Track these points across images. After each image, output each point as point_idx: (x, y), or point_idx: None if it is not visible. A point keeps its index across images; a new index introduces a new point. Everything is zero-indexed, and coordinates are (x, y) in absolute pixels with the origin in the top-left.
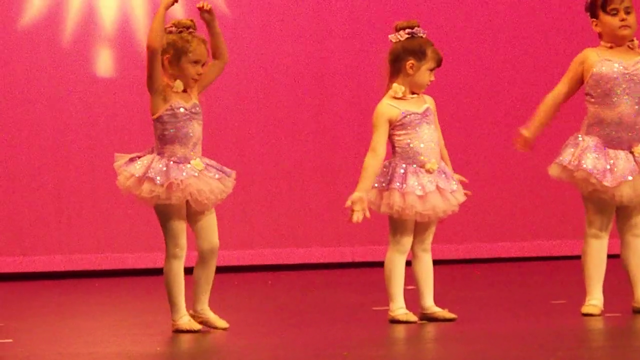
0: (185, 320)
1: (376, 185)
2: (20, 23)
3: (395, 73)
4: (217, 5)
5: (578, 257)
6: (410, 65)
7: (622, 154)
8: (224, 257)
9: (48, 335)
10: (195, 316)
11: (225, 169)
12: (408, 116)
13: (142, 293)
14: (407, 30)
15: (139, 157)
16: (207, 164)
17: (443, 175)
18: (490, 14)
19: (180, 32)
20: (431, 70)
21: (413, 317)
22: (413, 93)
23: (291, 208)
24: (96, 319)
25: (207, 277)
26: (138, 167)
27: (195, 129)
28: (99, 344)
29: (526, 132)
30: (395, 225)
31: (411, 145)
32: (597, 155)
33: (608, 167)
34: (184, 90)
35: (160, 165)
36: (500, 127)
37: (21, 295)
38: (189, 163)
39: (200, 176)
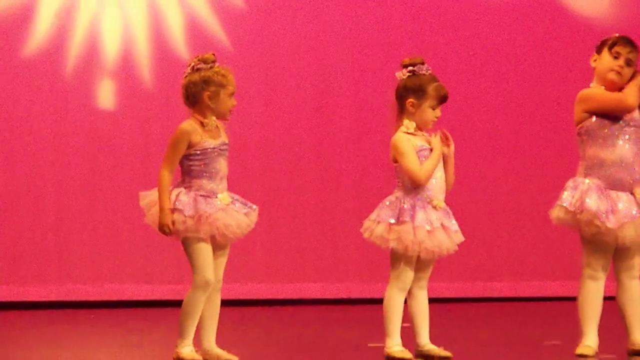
0: (188, 350)
1: (383, 220)
2: (22, 53)
3: (401, 111)
4: (220, 41)
5: (573, 298)
6: (411, 103)
7: (623, 195)
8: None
9: None
10: (204, 356)
11: (249, 203)
12: (422, 151)
13: (140, 325)
14: (409, 68)
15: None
16: (233, 199)
17: (447, 214)
18: (493, 45)
19: (211, 67)
20: (433, 107)
21: (408, 354)
22: (420, 129)
23: (288, 243)
24: (93, 349)
25: (212, 312)
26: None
27: (222, 164)
28: None
29: None
30: (398, 261)
31: None
32: (599, 196)
33: (610, 208)
34: (216, 126)
35: (188, 198)
36: (496, 166)
37: (17, 324)
38: (216, 197)
39: (228, 210)
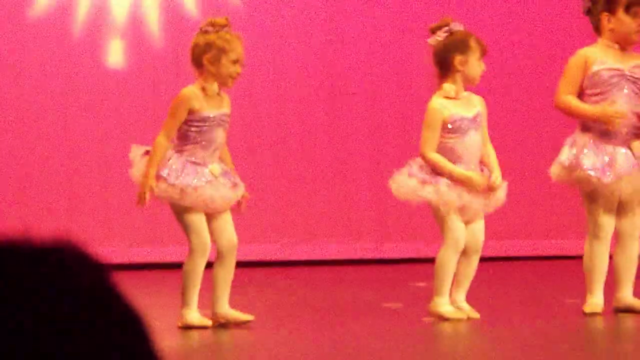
0: (195, 316)
1: (418, 176)
2: (30, 13)
3: (445, 73)
4: (231, 3)
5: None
6: (459, 61)
7: (620, 149)
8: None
9: None
10: (215, 318)
11: (237, 178)
12: (459, 120)
13: (147, 288)
14: (444, 29)
15: None
16: (224, 170)
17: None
18: (493, 13)
19: (217, 31)
20: (479, 60)
21: (463, 314)
22: (465, 89)
23: (300, 203)
24: None
25: (226, 275)
26: None
27: (220, 135)
28: None
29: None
30: (444, 219)
31: (455, 149)
32: (595, 152)
33: (607, 160)
34: (218, 93)
35: (177, 165)
36: (514, 124)
37: None
38: (207, 167)
39: (215, 183)
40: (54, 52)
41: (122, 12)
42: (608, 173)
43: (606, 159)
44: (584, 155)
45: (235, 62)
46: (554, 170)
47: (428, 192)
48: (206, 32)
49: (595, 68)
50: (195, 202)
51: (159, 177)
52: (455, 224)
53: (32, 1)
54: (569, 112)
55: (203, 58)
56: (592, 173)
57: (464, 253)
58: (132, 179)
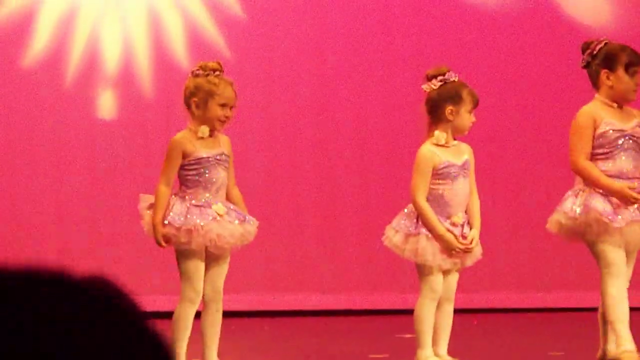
0: None
1: (402, 229)
2: (22, 64)
3: (435, 121)
4: (220, 51)
5: (569, 309)
6: (450, 111)
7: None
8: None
9: None
10: None
11: (248, 216)
12: (449, 167)
13: None
14: (440, 78)
15: None
16: (229, 209)
17: (467, 227)
18: (493, 57)
19: (207, 75)
20: (470, 112)
21: None
22: (454, 139)
23: (288, 254)
24: None
25: (212, 324)
26: None
27: (220, 174)
28: None
29: (628, 191)
30: (425, 270)
31: (444, 196)
32: (603, 200)
33: (615, 208)
34: (211, 135)
35: (181, 209)
36: (495, 176)
37: None
38: (210, 207)
39: (221, 221)
40: (46, 103)
41: (113, 63)
42: (619, 217)
43: (612, 207)
44: (594, 201)
45: (223, 105)
46: (558, 219)
47: (409, 252)
48: (197, 75)
49: (602, 129)
50: (202, 242)
51: (165, 225)
52: (434, 274)
53: (25, 52)
54: (587, 179)
55: (191, 101)
56: (604, 215)
57: (437, 303)
58: (144, 229)
